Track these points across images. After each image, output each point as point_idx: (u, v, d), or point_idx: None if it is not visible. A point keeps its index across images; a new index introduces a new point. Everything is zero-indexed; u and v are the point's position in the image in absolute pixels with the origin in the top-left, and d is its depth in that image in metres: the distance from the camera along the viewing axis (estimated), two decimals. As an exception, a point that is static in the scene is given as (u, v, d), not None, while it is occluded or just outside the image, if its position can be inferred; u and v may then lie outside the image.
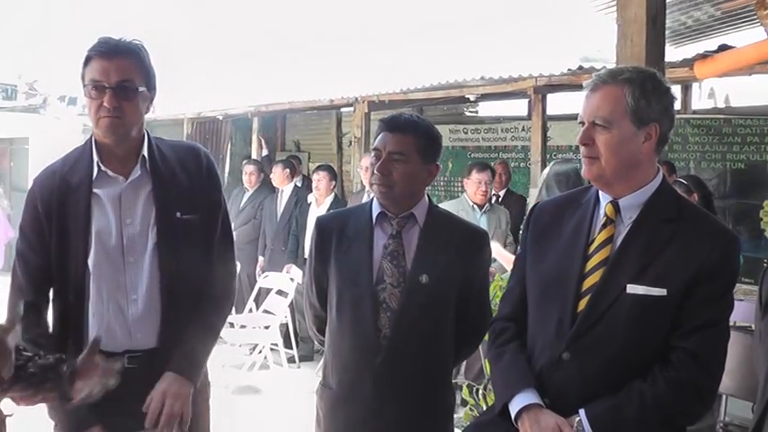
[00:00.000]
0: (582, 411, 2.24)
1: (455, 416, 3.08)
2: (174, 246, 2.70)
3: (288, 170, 9.16)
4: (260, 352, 7.88)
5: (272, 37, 12.39)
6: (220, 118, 12.27)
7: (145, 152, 2.74)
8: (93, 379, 2.27)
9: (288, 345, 8.45)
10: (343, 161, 12.45)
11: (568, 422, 2.25)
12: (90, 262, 2.67)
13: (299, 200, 8.86)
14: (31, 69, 15.92)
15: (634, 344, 2.25)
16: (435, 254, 2.90)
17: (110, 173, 2.71)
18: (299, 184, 9.44)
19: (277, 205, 9.06)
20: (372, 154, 2.97)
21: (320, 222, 3.13)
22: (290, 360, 8.43)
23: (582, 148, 2.36)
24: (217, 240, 2.82)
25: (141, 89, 2.64)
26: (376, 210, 2.97)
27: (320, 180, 8.39)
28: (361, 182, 8.23)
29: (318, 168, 8.69)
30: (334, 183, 8.61)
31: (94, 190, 2.69)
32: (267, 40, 12.45)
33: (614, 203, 2.37)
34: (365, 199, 7.46)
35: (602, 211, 2.41)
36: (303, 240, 8.36)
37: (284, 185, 9.11)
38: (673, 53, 6.95)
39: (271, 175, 9.29)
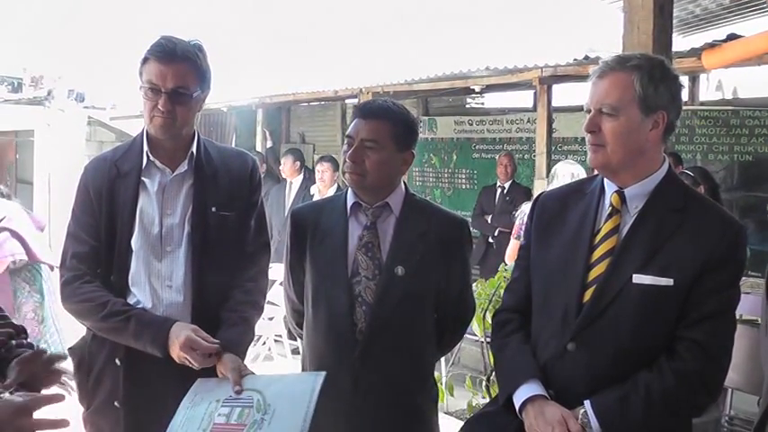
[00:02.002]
0: (587, 403, 2.22)
1: (459, 408, 3.05)
2: (207, 240, 2.79)
3: (298, 162, 9.14)
4: (264, 343, 7.88)
5: (276, 28, 12.37)
6: (224, 110, 12.25)
7: (194, 149, 2.85)
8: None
9: (292, 336, 8.42)
10: (347, 153, 12.40)
11: (573, 414, 2.22)
12: (133, 245, 2.77)
13: (305, 191, 8.83)
14: (37, 63, 15.92)
15: (640, 334, 2.23)
16: (412, 245, 2.82)
17: (158, 164, 2.82)
18: (303, 176, 9.41)
19: (285, 197, 9.00)
20: (345, 141, 2.88)
21: (295, 214, 3.07)
22: (294, 352, 8.41)
23: (588, 136, 2.34)
24: (251, 239, 2.89)
25: (195, 93, 2.74)
26: (350, 200, 2.89)
27: (324, 171, 8.36)
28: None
29: (322, 159, 8.66)
30: (337, 174, 8.59)
31: (143, 178, 2.81)
32: (271, 31, 12.43)
33: (620, 193, 2.35)
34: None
35: (607, 201, 2.38)
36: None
37: (294, 177, 9.07)
38: (680, 42, 6.91)
39: (280, 167, 9.20)
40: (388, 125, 2.80)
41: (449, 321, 2.95)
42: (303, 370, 2.98)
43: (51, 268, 5.68)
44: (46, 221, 6.23)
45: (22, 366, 2.10)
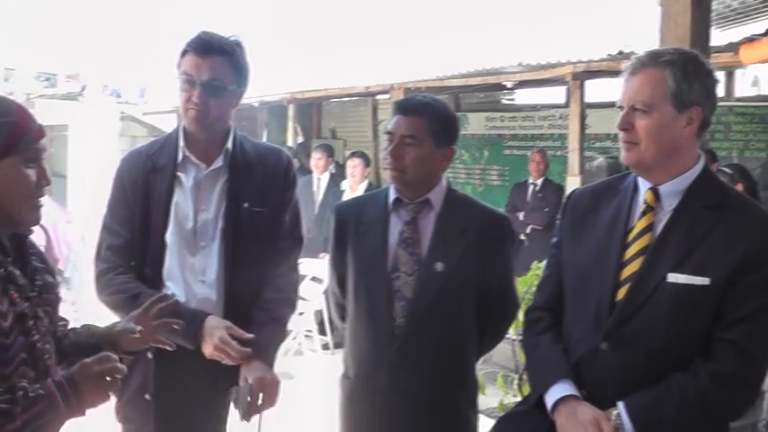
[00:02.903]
0: (621, 404, 2.18)
1: (490, 406, 3.03)
2: (240, 236, 2.80)
3: (330, 158, 9.15)
4: (294, 338, 7.88)
5: (309, 24, 12.38)
6: (256, 105, 12.30)
7: (229, 145, 2.86)
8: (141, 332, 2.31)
9: (322, 331, 8.44)
10: (379, 148, 12.39)
11: (606, 415, 2.18)
12: (167, 239, 2.80)
13: (334, 187, 8.84)
14: (72, 58, 16.08)
15: (675, 335, 2.18)
16: (452, 241, 2.82)
17: (193, 159, 2.85)
18: (333, 171, 9.40)
19: (313, 193, 9.00)
20: (385, 138, 2.91)
21: (338, 210, 3.11)
22: (324, 347, 8.43)
23: (621, 134, 2.30)
24: (284, 235, 2.89)
25: (231, 87, 2.76)
26: (392, 196, 2.91)
27: (355, 167, 8.38)
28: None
29: (353, 155, 8.68)
30: (368, 170, 8.59)
31: (178, 173, 2.83)
32: (303, 26, 12.44)
33: (654, 190, 2.30)
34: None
35: (641, 198, 2.34)
36: (337, 228, 8.32)
37: (322, 173, 9.07)
38: (717, 37, 6.80)
39: (311, 163, 9.18)
40: (427, 121, 2.81)
41: (490, 320, 2.93)
42: (345, 364, 3.01)
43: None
44: (76, 215, 6.26)
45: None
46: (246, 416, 2.61)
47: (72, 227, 6.40)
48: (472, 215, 2.91)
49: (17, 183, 1.96)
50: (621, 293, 2.25)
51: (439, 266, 2.77)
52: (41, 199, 2.05)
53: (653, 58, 2.25)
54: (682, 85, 2.20)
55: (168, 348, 2.42)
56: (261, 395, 2.63)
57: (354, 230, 2.92)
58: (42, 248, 5.81)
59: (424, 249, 2.81)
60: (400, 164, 2.80)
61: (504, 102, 11.82)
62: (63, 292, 5.85)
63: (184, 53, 2.75)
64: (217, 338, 2.60)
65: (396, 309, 2.79)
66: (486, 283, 2.85)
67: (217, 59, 2.71)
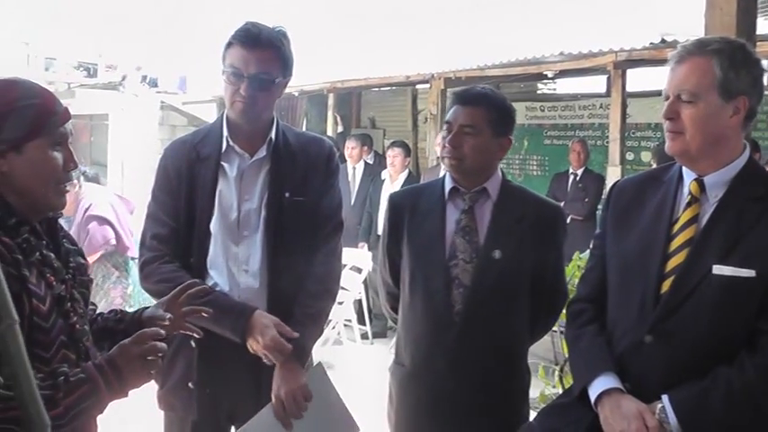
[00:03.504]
0: (665, 397, 2.16)
1: (531, 397, 3.02)
2: (282, 225, 2.81)
3: (366, 147, 9.15)
4: (333, 327, 7.90)
5: (349, 13, 12.37)
6: (296, 94, 12.32)
7: (272, 135, 2.86)
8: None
9: (361, 321, 8.46)
10: (419, 138, 12.38)
11: (650, 408, 2.16)
12: (211, 229, 2.81)
13: (373, 177, 8.84)
14: (112, 48, 16.25)
15: (720, 327, 2.15)
16: (509, 229, 2.85)
17: (237, 149, 2.85)
18: (368, 161, 9.39)
19: (349, 183, 9.00)
20: (444, 127, 2.94)
21: (393, 199, 3.15)
22: (364, 336, 8.45)
23: (666, 123, 2.27)
24: (325, 224, 2.90)
25: (278, 80, 2.76)
26: (448, 185, 2.95)
27: (395, 156, 8.38)
28: (437, 158, 8.19)
29: (393, 145, 8.68)
30: (408, 159, 8.58)
31: (222, 163, 2.84)
32: (343, 16, 12.44)
33: (699, 181, 2.28)
34: (441, 174, 7.42)
35: (686, 189, 2.32)
36: (376, 217, 8.35)
37: (357, 163, 9.08)
38: (763, 25, 6.69)
39: (346, 151, 9.16)
40: (486, 111, 2.85)
41: (542, 309, 2.96)
42: (398, 352, 3.03)
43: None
44: (136, 204, 6.28)
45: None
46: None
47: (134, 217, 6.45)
48: (527, 204, 2.94)
49: (44, 166, 1.95)
50: (666, 286, 2.23)
51: (497, 254, 2.80)
52: (67, 184, 2.04)
53: (700, 47, 2.23)
54: (729, 75, 2.17)
55: (196, 336, 2.43)
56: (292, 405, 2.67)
57: (410, 219, 2.96)
58: (113, 242, 5.84)
59: (482, 237, 2.85)
60: (459, 152, 2.84)
61: (544, 91, 11.73)
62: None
63: (230, 45, 2.74)
64: (269, 338, 2.62)
65: (454, 295, 2.81)
66: (539, 271, 2.88)
67: (265, 52, 2.71)
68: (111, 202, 6.11)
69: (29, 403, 1.29)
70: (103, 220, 5.90)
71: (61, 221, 2.15)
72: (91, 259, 5.89)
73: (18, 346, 1.25)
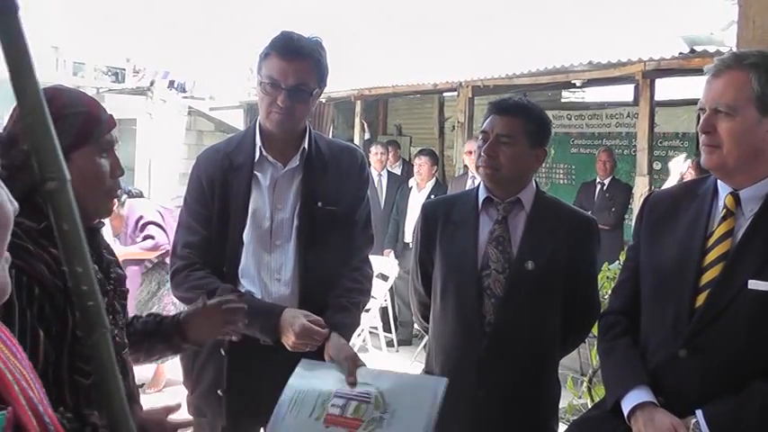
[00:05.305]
0: (699, 412, 2.15)
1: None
2: (314, 234, 2.82)
3: (388, 155, 9.15)
4: (359, 335, 7.90)
5: (377, 20, 12.41)
6: (323, 101, 12.34)
7: (305, 144, 2.86)
8: (209, 323, 2.35)
9: (387, 329, 8.47)
10: (445, 146, 12.37)
11: (684, 423, 2.16)
12: (244, 238, 2.81)
13: (400, 184, 8.84)
14: (139, 53, 16.36)
15: (756, 342, 2.14)
16: (542, 240, 2.84)
17: (270, 158, 2.85)
18: (394, 170, 9.40)
19: (375, 190, 8.97)
20: (480, 136, 2.94)
21: (426, 208, 3.14)
22: (389, 344, 8.46)
23: (702, 137, 2.26)
24: (357, 233, 2.92)
25: (315, 91, 2.76)
26: (482, 195, 2.93)
27: (422, 165, 8.38)
28: (465, 166, 8.18)
29: (420, 153, 8.68)
30: (435, 167, 8.58)
31: (255, 172, 2.84)
32: (371, 23, 12.48)
33: (735, 195, 2.27)
34: (468, 183, 7.43)
35: (721, 203, 2.31)
36: (403, 225, 8.36)
37: (382, 170, 9.08)
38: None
39: (373, 158, 9.10)
40: (522, 121, 2.84)
41: (575, 321, 2.94)
42: (428, 361, 3.03)
43: None
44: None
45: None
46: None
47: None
48: (561, 216, 2.93)
49: (92, 174, 1.95)
50: (701, 299, 2.22)
51: (530, 265, 2.79)
52: (116, 190, 2.06)
53: (737, 61, 2.21)
54: (766, 89, 2.16)
55: (234, 339, 2.44)
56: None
57: (443, 228, 2.95)
58: (169, 247, 5.91)
59: (515, 248, 2.83)
60: (495, 162, 2.83)
61: (571, 100, 11.69)
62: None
63: (267, 55, 2.73)
64: (298, 326, 2.61)
65: (486, 306, 2.81)
66: (572, 283, 2.87)
67: (303, 63, 2.70)
68: (160, 211, 6.30)
69: (118, 414, 1.25)
70: (159, 225, 6.09)
71: (109, 239, 2.15)
72: (154, 256, 6.03)
73: (110, 353, 1.23)
